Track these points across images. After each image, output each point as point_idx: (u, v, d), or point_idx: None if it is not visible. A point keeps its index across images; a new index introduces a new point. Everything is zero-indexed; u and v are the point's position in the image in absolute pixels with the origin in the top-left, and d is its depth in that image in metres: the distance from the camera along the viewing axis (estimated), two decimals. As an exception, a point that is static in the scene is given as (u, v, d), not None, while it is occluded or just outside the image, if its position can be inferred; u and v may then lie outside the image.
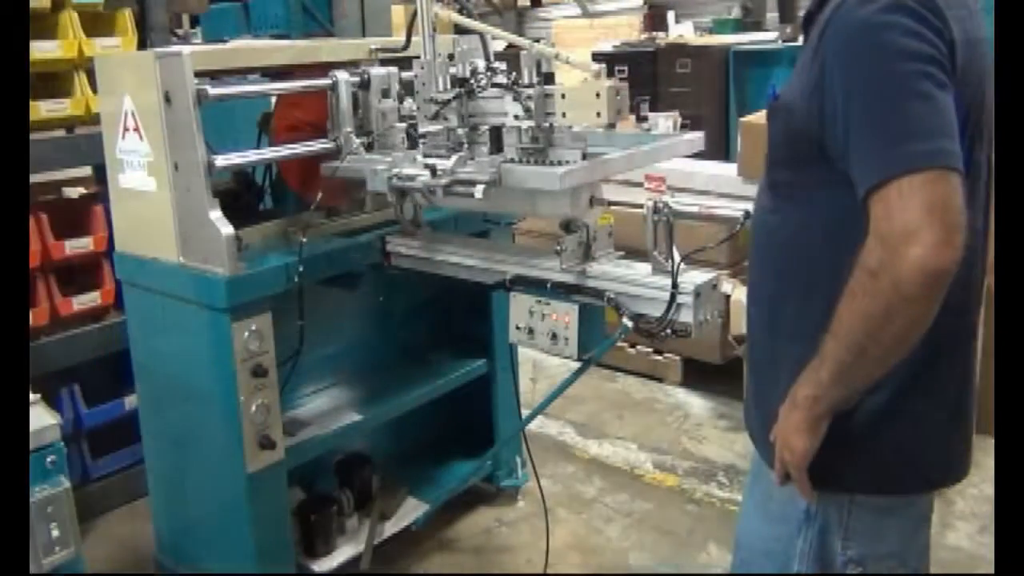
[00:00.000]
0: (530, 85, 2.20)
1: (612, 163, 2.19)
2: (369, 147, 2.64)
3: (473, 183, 2.13)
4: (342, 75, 2.59)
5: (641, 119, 2.32)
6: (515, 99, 2.21)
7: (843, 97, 1.33)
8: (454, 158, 2.21)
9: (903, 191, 1.25)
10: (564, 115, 2.13)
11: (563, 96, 2.12)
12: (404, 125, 2.60)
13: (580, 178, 2.09)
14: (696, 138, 2.44)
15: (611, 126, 2.26)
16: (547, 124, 2.21)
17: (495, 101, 2.30)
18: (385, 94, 2.66)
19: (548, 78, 2.22)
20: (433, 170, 2.20)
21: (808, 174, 1.47)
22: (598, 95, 2.03)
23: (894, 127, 1.28)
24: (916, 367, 1.45)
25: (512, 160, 2.28)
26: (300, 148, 2.62)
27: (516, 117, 2.22)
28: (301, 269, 2.45)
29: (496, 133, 2.25)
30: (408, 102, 2.68)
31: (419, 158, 2.34)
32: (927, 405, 1.50)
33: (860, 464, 1.51)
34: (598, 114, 2.04)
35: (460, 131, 2.39)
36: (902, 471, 1.52)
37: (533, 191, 2.19)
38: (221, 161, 2.40)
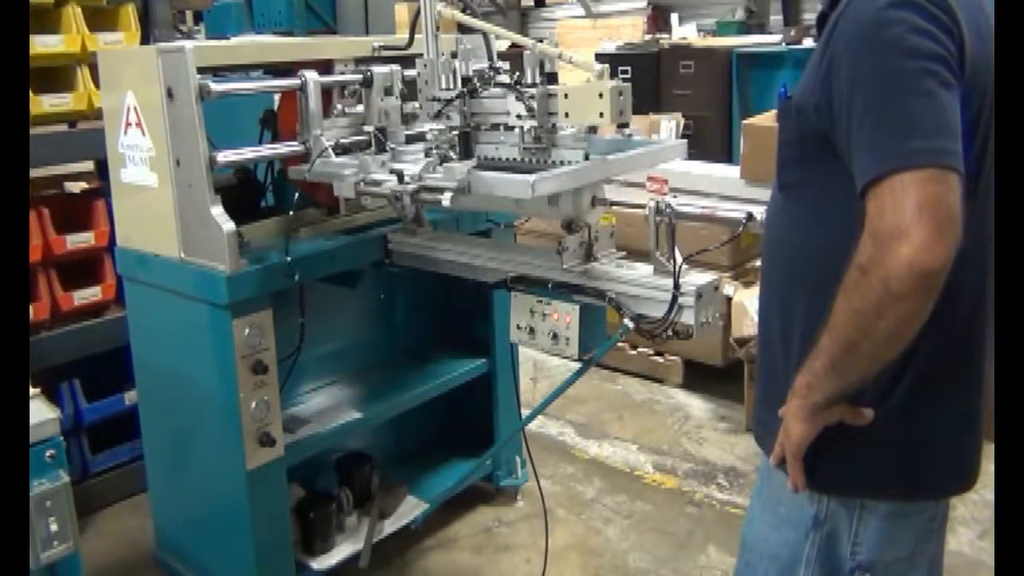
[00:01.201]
0: (533, 84, 2.20)
1: (588, 170, 2.14)
2: (345, 150, 2.58)
3: (441, 190, 2.09)
4: (311, 75, 2.52)
5: (621, 125, 2.25)
6: (518, 99, 2.20)
7: (847, 92, 1.33)
8: (422, 163, 2.16)
9: (896, 189, 1.24)
10: (567, 115, 2.13)
11: (566, 96, 2.11)
12: (372, 128, 2.53)
13: (551, 187, 2.04)
14: (678, 145, 2.40)
15: (592, 130, 2.24)
16: (550, 124, 2.21)
17: (498, 100, 2.29)
18: (388, 92, 2.65)
19: (551, 78, 2.21)
20: (400, 176, 2.16)
21: (818, 173, 1.47)
22: (601, 95, 2.02)
23: (893, 123, 1.28)
24: (928, 373, 1.45)
25: (513, 160, 2.27)
26: (266, 151, 2.58)
27: (519, 117, 2.22)
28: (295, 272, 2.44)
29: (465, 138, 2.19)
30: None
31: (387, 162, 2.29)
32: (939, 411, 1.49)
33: (871, 469, 1.51)
34: (601, 114, 2.04)
35: (430, 135, 2.37)
36: (913, 477, 1.52)
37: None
38: (223, 157, 2.40)
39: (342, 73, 2.68)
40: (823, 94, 1.39)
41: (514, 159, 2.31)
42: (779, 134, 1.55)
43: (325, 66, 2.69)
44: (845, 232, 1.38)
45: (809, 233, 1.50)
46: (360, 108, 2.72)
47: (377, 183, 2.23)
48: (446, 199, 2.07)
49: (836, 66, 1.36)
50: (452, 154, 2.24)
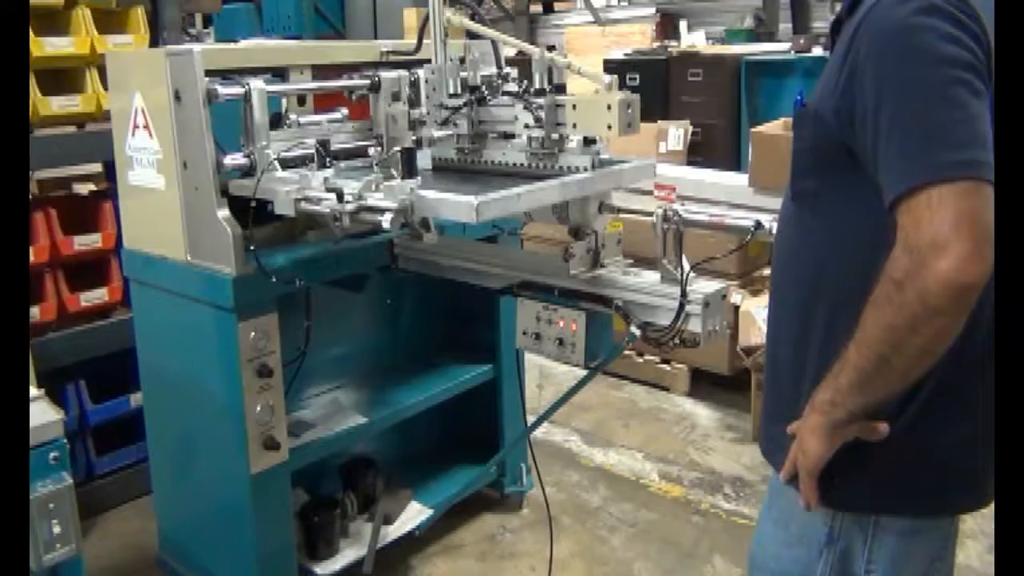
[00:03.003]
0: (541, 91, 2.18)
1: (540, 193, 2.09)
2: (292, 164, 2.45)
3: (381, 211, 2.01)
4: (256, 83, 2.39)
5: (589, 142, 2.21)
6: (526, 108, 2.18)
7: (874, 100, 1.31)
8: (363, 181, 2.08)
9: (932, 202, 1.22)
10: (574, 126, 2.11)
11: (574, 107, 2.10)
12: (315, 140, 2.40)
13: (496, 211, 1.99)
14: (644, 165, 2.35)
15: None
16: (556, 135, 2.19)
17: (505, 109, 2.27)
18: (395, 97, 2.63)
19: (559, 89, 2.18)
20: (339, 194, 2.06)
21: (836, 182, 1.44)
22: (609, 107, 2.01)
23: (925, 134, 1.25)
24: (944, 386, 1.42)
25: (520, 165, 2.25)
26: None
27: (526, 126, 2.20)
28: (294, 277, 2.43)
29: (408, 155, 2.09)
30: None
31: (328, 178, 2.20)
32: (955, 425, 1.46)
33: (886, 486, 1.48)
34: (609, 126, 2.02)
35: (373, 151, 2.30)
36: (929, 493, 1.49)
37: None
38: (230, 160, 2.39)
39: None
40: (844, 99, 1.36)
41: (521, 164, 2.30)
42: (794, 142, 1.52)
43: (335, 71, 2.69)
44: (868, 243, 1.36)
45: (829, 244, 1.47)
46: (317, 117, 2.68)
47: (316, 201, 2.14)
48: (386, 220, 1.99)
49: (860, 72, 1.33)
50: (395, 172, 2.13)
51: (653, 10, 10.91)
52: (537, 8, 12.97)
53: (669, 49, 7.37)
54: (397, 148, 2.13)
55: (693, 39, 9.41)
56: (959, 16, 1.27)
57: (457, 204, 1.98)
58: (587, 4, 11.03)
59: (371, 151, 2.35)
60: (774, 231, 1.78)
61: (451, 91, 2.35)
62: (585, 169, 2.19)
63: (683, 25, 10.40)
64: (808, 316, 1.51)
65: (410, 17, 4.11)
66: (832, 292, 1.47)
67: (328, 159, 2.33)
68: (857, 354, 1.34)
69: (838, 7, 1.52)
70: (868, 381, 1.34)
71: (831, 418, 1.41)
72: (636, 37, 9.68)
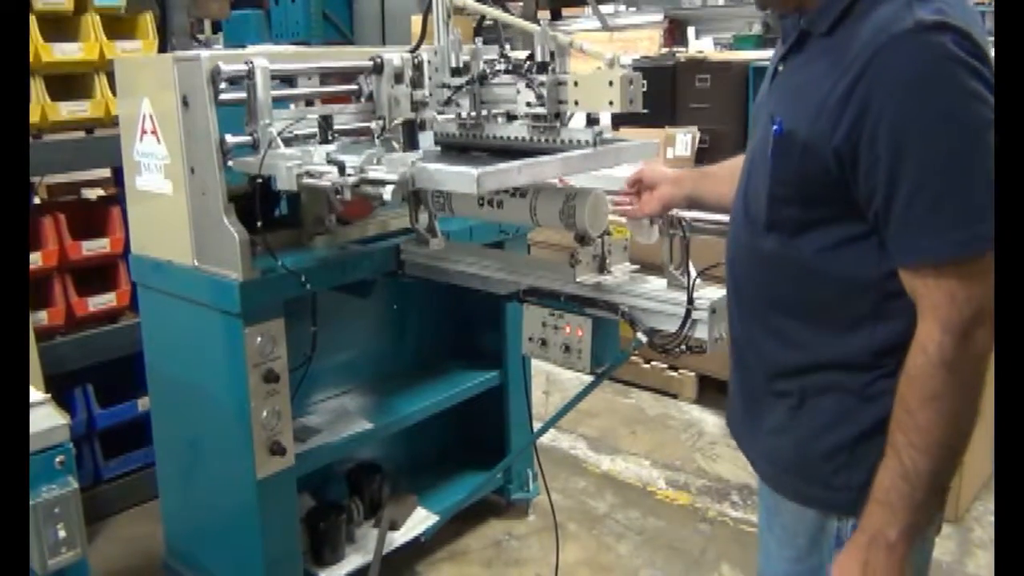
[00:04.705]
0: (543, 66, 2.14)
1: (543, 166, 2.06)
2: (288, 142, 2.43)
3: (383, 183, 2.00)
4: (259, 61, 2.34)
5: (591, 121, 2.18)
6: (528, 85, 2.17)
7: (890, 155, 1.25)
8: (364, 154, 2.06)
9: (966, 277, 1.24)
10: (576, 103, 2.10)
11: (576, 84, 2.08)
12: (317, 116, 2.42)
13: (498, 181, 1.97)
14: (646, 144, 2.31)
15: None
16: (557, 113, 2.17)
17: (507, 88, 2.25)
18: (398, 79, 2.60)
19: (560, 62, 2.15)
20: (341, 167, 2.05)
21: (822, 210, 1.39)
22: (611, 83, 1.98)
23: (956, 205, 1.23)
24: None
25: (522, 139, 2.21)
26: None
27: (528, 104, 2.19)
28: (304, 280, 2.42)
29: (409, 127, 2.07)
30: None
31: (329, 153, 2.18)
32: None
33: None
34: (611, 102, 2.00)
35: (374, 125, 2.29)
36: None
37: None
38: (232, 138, 2.35)
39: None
40: (847, 142, 1.30)
41: (523, 138, 2.27)
42: (773, 170, 1.43)
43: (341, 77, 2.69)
44: (870, 265, 1.36)
45: (820, 270, 1.41)
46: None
47: (318, 175, 2.12)
48: (387, 193, 1.98)
49: (872, 120, 1.26)
50: (396, 145, 2.11)
51: (661, 16, 10.90)
52: (545, 15, 13.00)
53: (677, 55, 7.37)
54: (399, 119, 2.11)
55: (701, 45, 9.41)
56: (979, 67, 1.23)
57: (458, 176, 1.96)
58: (595, 11, 11.04)
59: (373, 125, 2.33)
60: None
61: (453, 65, 2.30)
62: (587, 143, 2.15)
63: (691, 31, 10.39)
64: (794, 336, 1.48)
65: (417, 24, 4.12)
66: (830, 314, 1.43)
67: (331, 133, 2.31)
68: (928, 459, 1.30)
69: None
70: (943, 478, 1.35)
71: (909, 542, 1.36)
72: (644, 43, 9.67)
